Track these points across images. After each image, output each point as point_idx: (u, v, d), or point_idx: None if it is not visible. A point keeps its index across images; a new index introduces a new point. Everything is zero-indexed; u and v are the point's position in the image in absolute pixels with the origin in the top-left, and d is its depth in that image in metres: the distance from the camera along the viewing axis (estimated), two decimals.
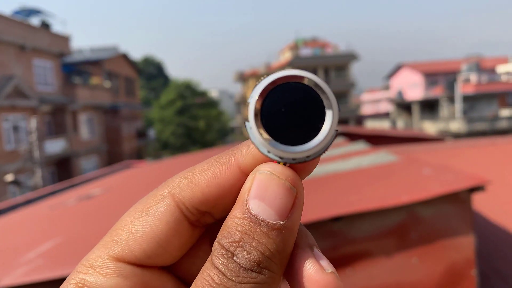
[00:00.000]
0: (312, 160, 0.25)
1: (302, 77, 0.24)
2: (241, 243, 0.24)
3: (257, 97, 0.23)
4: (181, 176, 0.27)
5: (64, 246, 1.18)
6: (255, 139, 0.24)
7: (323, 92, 0.24)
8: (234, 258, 0.23)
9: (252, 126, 0.24)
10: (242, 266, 0.23)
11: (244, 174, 0.26)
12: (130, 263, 0.26)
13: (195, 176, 0.27)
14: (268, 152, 0.24)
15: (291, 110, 0.24)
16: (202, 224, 0.28)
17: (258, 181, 0.25)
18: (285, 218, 0.24)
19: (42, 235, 1.42)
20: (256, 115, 0.23)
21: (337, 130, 0.25)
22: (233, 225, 0.24)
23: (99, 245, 0.27)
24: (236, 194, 0.26)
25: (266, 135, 0.24)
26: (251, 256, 0.23)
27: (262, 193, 0.24)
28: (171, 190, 0.27)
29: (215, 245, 0.24)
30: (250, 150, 0.26)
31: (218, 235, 0.24)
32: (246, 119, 0.24)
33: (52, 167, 15.40)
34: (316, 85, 0.24)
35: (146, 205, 0.27)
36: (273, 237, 0.24)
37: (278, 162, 0.25)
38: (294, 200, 0.24)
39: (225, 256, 0.24)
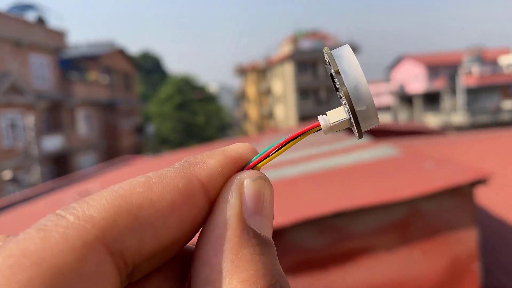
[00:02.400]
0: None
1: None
2: (275, 282, 0.17)
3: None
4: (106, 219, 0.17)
5: None
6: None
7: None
8: None
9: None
10: None
11: (207, 197, 0.19)
12: None
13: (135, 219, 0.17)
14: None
15: None
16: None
17: (253, 192, 0.19)
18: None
19: None
20: None
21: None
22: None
23: None
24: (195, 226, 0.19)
25: None
26: None
27: (261, 206, 0.19)
28: (101, 241, 0.16)
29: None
30: (228, 156, 0.20)
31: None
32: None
33: (50, 164, 15.39)
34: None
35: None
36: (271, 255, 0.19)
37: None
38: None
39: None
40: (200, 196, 0.18)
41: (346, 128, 0.22)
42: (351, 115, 0.21)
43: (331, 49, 0.22)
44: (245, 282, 0.17)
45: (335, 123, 0.21)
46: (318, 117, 0.22)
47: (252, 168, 0.21)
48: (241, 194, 0.19)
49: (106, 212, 0.16)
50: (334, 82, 0.21)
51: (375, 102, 0.21)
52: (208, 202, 0.19)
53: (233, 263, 0.17)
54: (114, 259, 0.16)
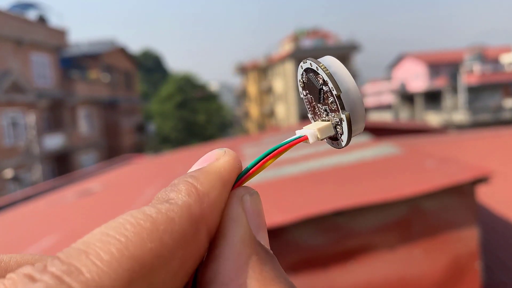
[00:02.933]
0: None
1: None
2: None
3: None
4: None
5: (63, 242, 1.17)
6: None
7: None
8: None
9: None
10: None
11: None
12: None
13: None
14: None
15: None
16: None
17: (254, 208, 0.19)
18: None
19: (41, 231, 1.41)
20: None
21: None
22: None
23: None
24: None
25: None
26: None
27: (263, 220, 0.20)
28: None
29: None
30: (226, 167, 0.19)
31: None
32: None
33: (51, 162, 15.40)
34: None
35: None
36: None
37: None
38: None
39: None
40: (204, 233, 0.18)
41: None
42: (342, 127, 0.21)
43: (307, 61, 0.22)
44: None
45: (323, 135, 0.21)
46: (303, 130, 0.21)
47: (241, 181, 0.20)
48: (245, 213, 0.19)
49: (120, 279, 0.14)
50: (320, 94, 0.21)
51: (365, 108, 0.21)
52: (208, 232, 0.18)
53: (259, 282, 0.17)
54: None
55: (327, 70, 0.20)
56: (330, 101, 0.21)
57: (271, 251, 0.19)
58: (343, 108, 0.20)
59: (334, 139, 0.22)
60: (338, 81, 0.20)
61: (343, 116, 0.20)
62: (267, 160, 0.20)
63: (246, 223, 0.18)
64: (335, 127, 0.21)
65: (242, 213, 0.19)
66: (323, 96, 0.21)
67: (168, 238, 0.16)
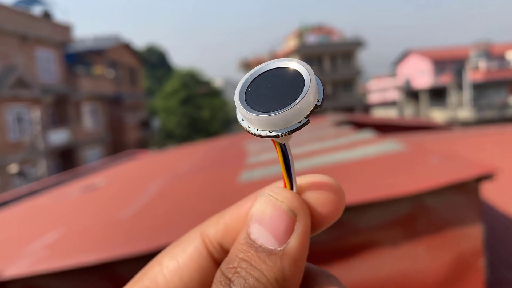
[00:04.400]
0: (295, 129, 0.23)
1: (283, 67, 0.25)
2: (238, 269, 0.22)
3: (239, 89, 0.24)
4: (213, 216, 0.27)
5: (68, 237, 1.18)
6: (239, 118, 0.24)
7: (300, 72, 0.24)
8: (231, 285, 0.22)
9: (237, 108, 0.24)
10: None
11: None
12: None
13: (223, 213, 0.27)
14: (249, 127, 0.23)
15: (273, 92, 0.24)
16: None
17: (258, 204, 0.24)
18: (283, 243, 0.22)
19: (46, 226, 1.41)
20: (240, 100, 0.24)
21: (319, 101, 0.24)
22: (234, 251, 0.23)
23: (132, 280, 0.27)
24: None
25: (244, 110, 0.23)
26: (246, 283, 0.22)
27: (261, 216, 0.23)
28: (201, 226, 0.27)
29: (217, 272, 0.23)
30: None
31: (222, 262, 0.24)
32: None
33: (56, 157, 15.47)
34: (295, 69, 0.24)
35: (179, 241, 0.27)
36: (271, 263, 0.22)
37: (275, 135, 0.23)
38: (292, 225, 0.23)
39: (222, 283, 0.22)
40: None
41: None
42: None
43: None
44: (226, 258, 0.24)
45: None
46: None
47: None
48: (255, 203, 0.26)
49: None
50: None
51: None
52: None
53: None
54: (202, 238, 0.26)
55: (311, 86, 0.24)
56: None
57: (257, 241, 0.24)
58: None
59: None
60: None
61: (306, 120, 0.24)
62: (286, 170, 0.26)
63: (249, 214, 0.25)
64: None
65: (253, 205, 0.25)
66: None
67: None
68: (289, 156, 0.25)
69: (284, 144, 0.25)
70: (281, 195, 0.24)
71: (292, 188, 0.25)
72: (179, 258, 0.25)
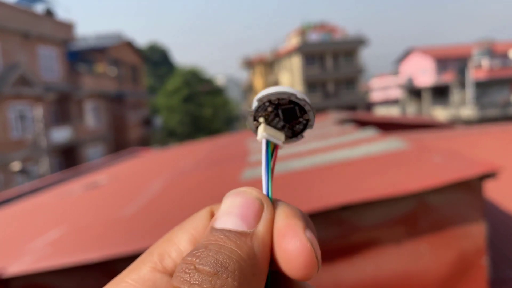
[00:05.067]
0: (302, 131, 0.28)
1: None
2: (206, 252, 0.21)
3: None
4: None
5: (70, 234, 1.18)
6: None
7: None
8: (197, 265, 0.21)
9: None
10: (206, 272, 0.20)
11: None
12: (167, 271, 0.23)
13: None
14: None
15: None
16: None
17: (225, 199, 0.25)
18: (253, 228, 0.23)
19: (48, 224, 1.42)
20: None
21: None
22: (201, 240, 0.23)
23: (139, 258, 0.25)
24: None
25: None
26: (217, 259, 0.21)
27: (228, 208, 0.24)
28: (211, 206, 0.27)
29: (177, 266, 0.21)
30: None
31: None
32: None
33: (59, 155, 15.50)
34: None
35: (188, 220, 0.26)
36: (242, 242, 0.22)
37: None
38: (260, 212, 0.24)
39: (186, 269, 0.21)
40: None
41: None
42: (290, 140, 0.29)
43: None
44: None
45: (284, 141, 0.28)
46: (272, 138, 0.28)
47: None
48: (223, 200, 0.26)
49: None
50: (291, 118, 0.28)
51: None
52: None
53: None
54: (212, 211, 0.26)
55: (314, 114, 0.27)
56: (298, 126, 0.28)
57: (225, 227, 0.24)
58: (302, 132, 0.28)
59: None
60: (314, 119, 0.28)
61: (302, 136, 0.28)
62: (273, 176, 0.27)
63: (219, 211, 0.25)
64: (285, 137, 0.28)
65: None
66: (293, 120, 0.28)
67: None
68: (269, 159, 0.28)
69: (269, 145, 0.28)
70: (249, 188, 0.25)
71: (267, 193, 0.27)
72: (193, 231, 0.24)
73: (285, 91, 0.27)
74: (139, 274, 0.23)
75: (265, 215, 0.24)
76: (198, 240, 0.24)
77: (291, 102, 0.27)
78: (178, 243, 0.24)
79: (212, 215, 0.25)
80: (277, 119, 0.28)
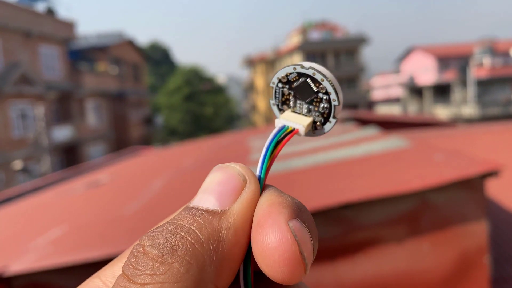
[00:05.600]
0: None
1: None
2: (160, 232, 0.18)
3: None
4: None
5: (72, 233, 1.18)
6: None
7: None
8: (145, 247, 0.18)
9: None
10: (151, 256, 0.17)
11: None
12: None
13: None
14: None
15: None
16: None
17: (209, 174, 0.21)
18: (226, 207, 0.20)
19: (50, 223, 1.42)
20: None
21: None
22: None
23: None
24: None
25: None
26: (167, 241, 0.18)
27: (207, 184, 0.21)
28: None
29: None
30: None
31: None
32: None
33: (60, 154, 15.51)
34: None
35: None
36: (206, 222, 0.19)
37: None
38: (240, 189, 0.20)
39: (135, 253, 0.18)
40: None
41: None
42: (323, 126, 0.26)
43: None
44: None
45: (307, 129, 0.26)
46: (289, 123, 0.25)
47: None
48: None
49: None
50: (311, 96, 0.25)
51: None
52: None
53: None
54: None
55: (333, 85, 0.24)
56: (322, 105, 0.25)
57: (195, 205, 0.21)
58: (333, 113, 0.25)
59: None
60: (339, 94, 0.24)
61: (332, 120, 0.25)
62: (273, 160, 0.24)
63: None
64: (314, 123, 0.26)
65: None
66: (314, 99, 0.25)
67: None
68: (274, 140, 0.25)
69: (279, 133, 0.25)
70: (232, 164, 0.21)
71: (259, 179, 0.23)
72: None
73: (290, 64, 0.25)
74: (113, 270, 0.21)
75: (245, 193, 0.20)
76: None
77: (300, 75, 0.25)
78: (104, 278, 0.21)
79: None
80: (299, 103, 0.26)
